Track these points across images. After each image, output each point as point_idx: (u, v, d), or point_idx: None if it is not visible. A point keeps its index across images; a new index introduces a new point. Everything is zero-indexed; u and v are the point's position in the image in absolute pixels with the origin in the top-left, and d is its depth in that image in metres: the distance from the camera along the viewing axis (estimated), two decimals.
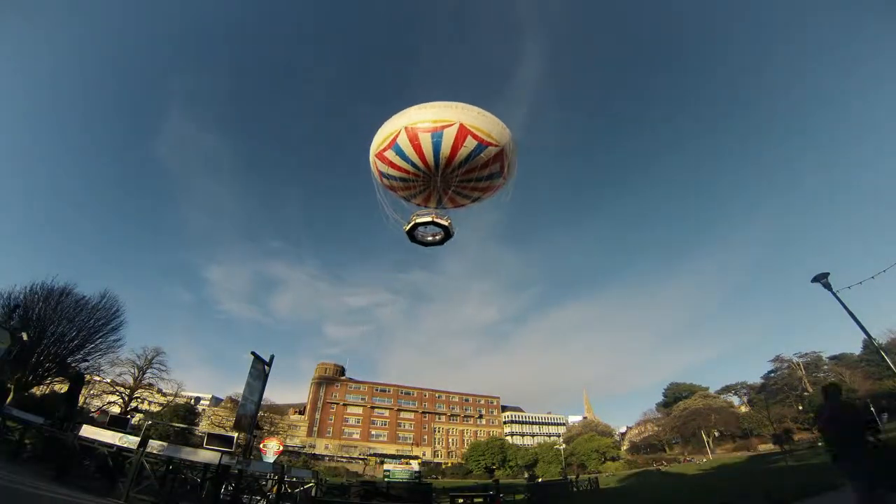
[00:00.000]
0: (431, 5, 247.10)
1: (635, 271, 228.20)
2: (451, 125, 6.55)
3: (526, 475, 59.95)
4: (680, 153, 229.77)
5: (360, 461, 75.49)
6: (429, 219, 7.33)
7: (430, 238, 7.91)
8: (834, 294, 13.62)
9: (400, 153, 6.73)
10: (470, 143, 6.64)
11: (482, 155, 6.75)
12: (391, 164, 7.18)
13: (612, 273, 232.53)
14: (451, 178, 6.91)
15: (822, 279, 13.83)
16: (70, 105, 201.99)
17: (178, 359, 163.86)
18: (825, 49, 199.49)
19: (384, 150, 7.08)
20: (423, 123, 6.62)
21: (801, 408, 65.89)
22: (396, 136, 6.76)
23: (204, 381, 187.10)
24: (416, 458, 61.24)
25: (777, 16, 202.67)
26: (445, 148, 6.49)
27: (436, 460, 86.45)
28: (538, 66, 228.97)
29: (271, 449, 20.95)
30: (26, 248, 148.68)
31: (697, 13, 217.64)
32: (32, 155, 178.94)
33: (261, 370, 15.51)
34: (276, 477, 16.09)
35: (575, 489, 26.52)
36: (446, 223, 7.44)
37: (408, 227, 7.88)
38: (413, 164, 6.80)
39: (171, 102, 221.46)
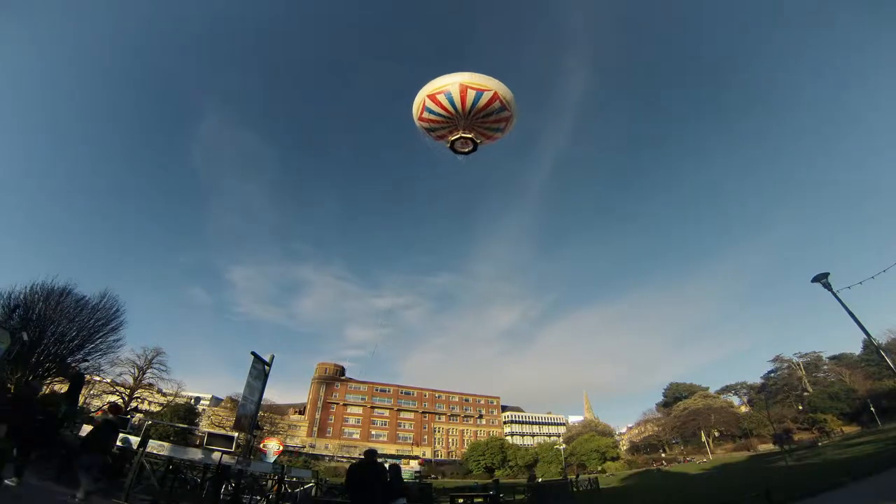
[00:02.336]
0: (484, 12, 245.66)
1: (642, 279, 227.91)
2: (490, 90, 10.43)
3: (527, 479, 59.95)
4: (691, 159, 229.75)
5: None
6: (470, 135, 11.05)
7: (464, 150, 11.50)
8: (834, 294, 13.63)
9: (449, 98, 10.34)
10: (496, 104, 10.53)
11: (500, 114, 10.78)
12: (439, 104, 10.67)
13: (618, 281, 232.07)
14: (473, 121, 10.78)
15: (822, 279, 13.84)
16: (103, 102, 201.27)
17: (195, 360, 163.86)
18: (822, 49, 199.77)
19: (437, 93, 10.50)
20: (474, 84, 10.29)
21: (800, 408, 65.98)
22: (450, 87, 10.30)
23: (220, 383, 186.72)
24: (416, 457, 61.42)
25: (777, 18, 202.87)
26: (481, 102, 10.32)
27: (436, 460, 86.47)
28: (583, 79, 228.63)
29: (271, 449, 21.01)
30: (41, 248, 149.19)
31: (708, 16, 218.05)
32: (60, 152, 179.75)
33: (261, 370, 15.50)
34: (276, 477, 16.10)
35: (575, 489, 26.50)
36: (471, 136, 11.19)
37: (453, 138, 11.23)
38: (455, 108, 10.45)
39: (206, 101, 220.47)
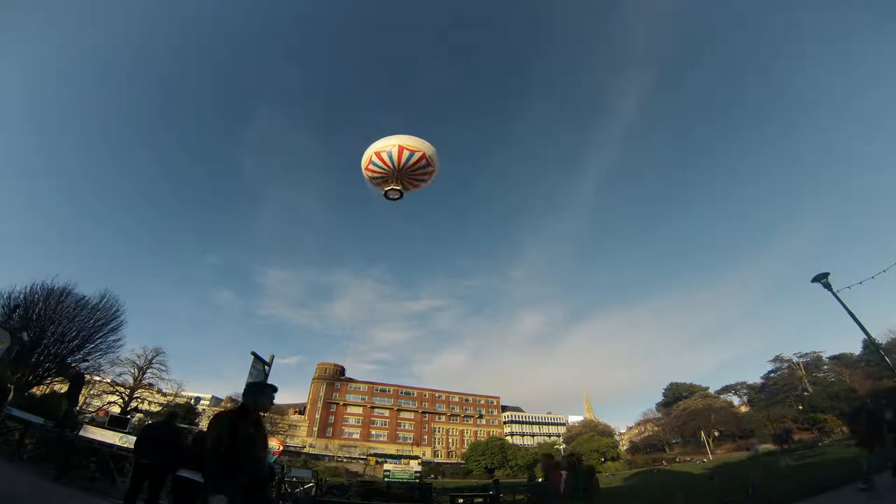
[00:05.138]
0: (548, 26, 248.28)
1: (650, 287, 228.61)
2: (420, 152, 12.85)
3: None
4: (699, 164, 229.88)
5: (360, 461, 75.50)
6: (399, 187, 13.63)
7: (394, 197, 13.94)
8: (834, 294, 13.62)
9: (389, 156, 12.83)
10: (423, 162, 12.99)
11: (425, 169, 13.32)
12: (382, 160, 13.07)
13: (629, 288, 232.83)
14: (404, 173, 13.21)
15: (822, 279, 13.83)
16: (158, 99, 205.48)
17: (210, 361, 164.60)
18: (823, 48, 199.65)
19: (382, 151, 12.92)
20: (408, 146, 12.83)
21: (800, 408, 65.93)
22: (391, 147, 12.84)
23: (236, 384, 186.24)
24: (416, 458, 61.24)
25: (777, 16, 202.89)
26: (412, 160, 12.80)
27: (436, 460, 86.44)
28: (634, 99, 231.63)
29: (271, 449, 20.96)
30: (73, 247, 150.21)
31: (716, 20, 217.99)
32: (104, 150, 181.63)
33: (261, 370, 15.48)
34: (276, 477, 16.09)
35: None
36: (399, 188, 13.71)
37: (387, 188, 13.70)
38: (393, 163, 12.88)
39: (262, 100, 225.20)
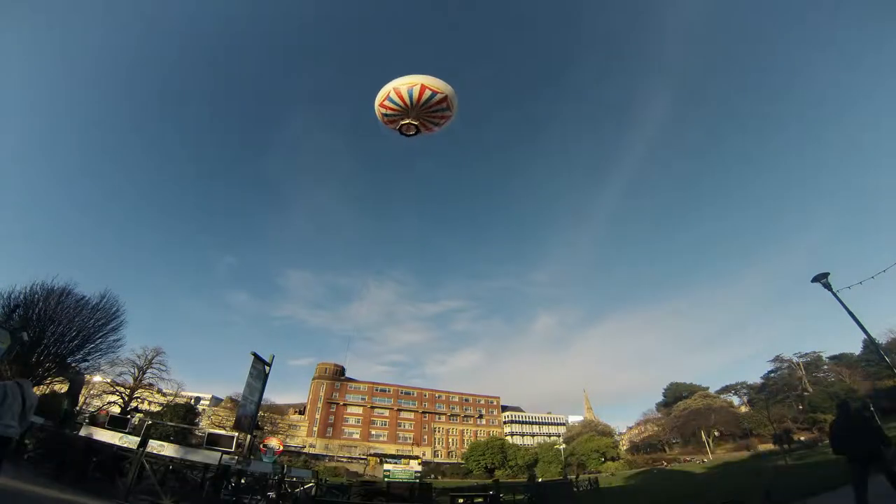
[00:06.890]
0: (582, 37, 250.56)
1: (657, 291, 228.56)
2: (442, 93, 12.55)
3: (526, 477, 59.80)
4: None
5: (361, 461, 75.48)
6: (407, 121, 13.17)
7: (409, 133, 13.55)
8: (834, 294, 13.59)
9: (409, 93, 12.67)
10: (427, 93, 12.48)
11: (443, 112, 13.03)
12: (400, 96, 12.90)
13: (635, 292, 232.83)
14: (419, 111, 12.95)
15: (822, 279, 13.78)
16: (186, 98, 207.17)
17: (235, 362, 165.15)
18: (823, 47, 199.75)
19: (384, 100, 12.89)
20: (431, 86, 12.54)
21: (801, 407, 65.94)
22: (389, 92, 12.70)
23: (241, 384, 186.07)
24: (416, 458, 61.24)
25: (776, 16, 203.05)
26: (433, 101, 12.58)
27: (436, 460, 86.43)
28: (662, 107, 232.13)
29: (271, 449, 20.98)
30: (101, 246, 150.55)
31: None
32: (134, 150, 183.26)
33: (261, 370, 15.49)
34: (277, 477, 16.10)
35: (576, 489, 26.49)
36: (416, 123, 13.29)
37: (398, 127, 13.35)
38: (412, 101, 12.70)
39: (293, 101, 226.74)
